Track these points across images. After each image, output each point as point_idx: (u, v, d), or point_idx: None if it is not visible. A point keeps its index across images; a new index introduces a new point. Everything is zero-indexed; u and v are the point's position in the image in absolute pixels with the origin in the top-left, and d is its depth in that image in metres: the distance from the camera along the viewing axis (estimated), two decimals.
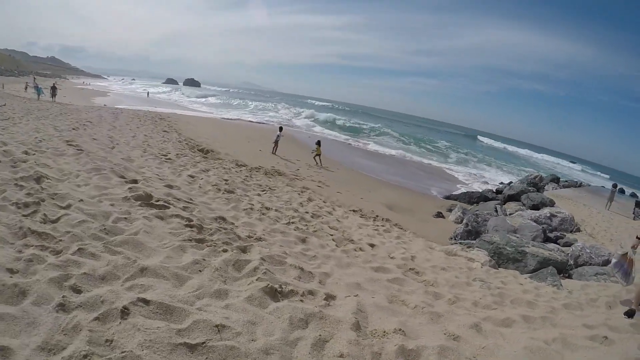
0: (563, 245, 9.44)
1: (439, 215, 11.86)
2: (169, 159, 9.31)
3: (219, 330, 2.10)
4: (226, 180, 7.96)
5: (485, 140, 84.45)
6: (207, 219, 4.52)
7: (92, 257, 2.77)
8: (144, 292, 2.41)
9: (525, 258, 7.37)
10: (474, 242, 8.17)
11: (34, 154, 5.97)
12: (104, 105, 31.87)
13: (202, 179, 7.38)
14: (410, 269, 4.85)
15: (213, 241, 3.64)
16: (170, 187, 5.90)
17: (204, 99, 59.33)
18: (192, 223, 4.07)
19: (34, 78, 57.04)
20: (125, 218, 3.80)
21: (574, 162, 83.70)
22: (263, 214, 5.77)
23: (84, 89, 58.83)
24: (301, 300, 2.80)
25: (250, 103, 57.54)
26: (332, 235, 5.60)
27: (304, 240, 4.84)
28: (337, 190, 11.17)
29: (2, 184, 3.87)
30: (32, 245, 2.76)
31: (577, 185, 24.86)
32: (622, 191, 24.79)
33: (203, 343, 2.00)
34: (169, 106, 40.78)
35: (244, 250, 3.58)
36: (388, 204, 11.41)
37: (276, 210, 6.26)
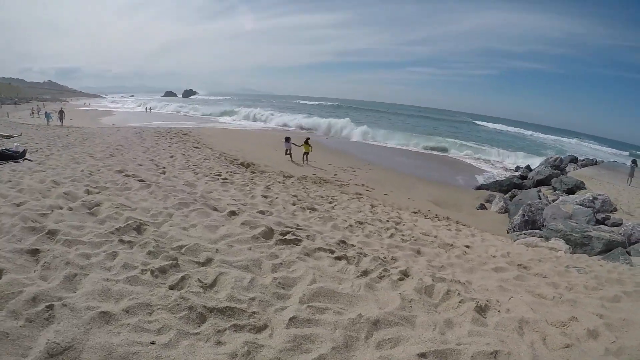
0: (611, 226, 9.78)
1: (482, 207, 12.17)
2: (225, 178, 9.39)
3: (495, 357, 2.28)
4: (294, 195, 8.16)
5: (490, 125, 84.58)
6: (333, 245, 4.53)
7: (310, 324, 2.41)
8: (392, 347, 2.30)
9: (591, 242, 7.71)
10: (538, 231, 8.52)
11: (99, 193, 5.64)
12: (113, 124, 32.03)
13: (276, 197, 7.55)
14: (517, 264, 5.19)
15: (374, 270, 3.68)
16: (263, 213, 5.75)
17: (210, 112, 57.00)
18: (339, 255, 4.02)
19: (37, 105, 57.23)
20: (281, 263, 3.48)
21: (579, 139, 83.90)
22: (362, 229, 5.96)
23: (88, 110, 58.91)
24: (498, 311, 3.10)
25: (263, 111, 55.36)
26: (432, 242, 5.90)
27: (419, 252, 5.09)
28: (383, 192, 11.47)
29: (103, 242, 3.40)
30: (225, 329, 2.27)
31: (594, 163, 25.21)
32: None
33: None
34: (178, 120, 41.09)
35: (405, 274, 3.73)
36: (433, 200, 11.72)
37: (369, 223, 6.45)
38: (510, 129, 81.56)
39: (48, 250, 3.05)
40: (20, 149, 9.56)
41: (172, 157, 12.68)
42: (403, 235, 6.01)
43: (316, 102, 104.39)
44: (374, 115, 70.71)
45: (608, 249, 7.55)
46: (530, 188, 15.33)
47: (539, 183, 15.80)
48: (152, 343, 2.05)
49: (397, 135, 33.28)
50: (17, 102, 76.25)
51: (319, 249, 4.12)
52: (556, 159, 20.55)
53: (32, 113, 46.84)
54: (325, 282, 3.09)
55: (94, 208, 4.59)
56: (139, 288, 2.61)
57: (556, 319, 3.18)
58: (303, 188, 9.60)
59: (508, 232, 9.26)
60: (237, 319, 2.38)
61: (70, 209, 4.43)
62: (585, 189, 13.26)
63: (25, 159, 9.09)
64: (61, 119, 33.10)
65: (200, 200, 5.94)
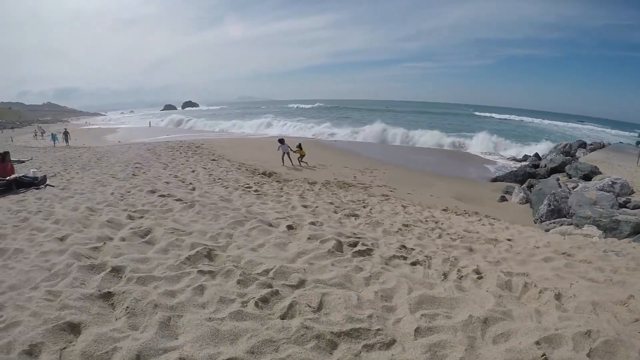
0: (632, 209, 10.02)
1: (503, 199, 12.40)
2: (256, 190, 9.48)
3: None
4: (330, 202, 8.37)
5: (491, 115, 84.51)
6: (398, 251, 4.65)
7: (433, 332, 2.54)
8: (506, 341, 2.48)
9: (620, 225, 7.95)
10: (566, 219, 8.79)
11: (142, 217, 5.53)
12: (119, 141, 32.44)
13: (316, 206, 7.69)
14: (562, 253, 5.46)
15: (450, 272, 3.88)
16: (314, 224, 5.76)
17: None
18: (413, 261, 4.18)
19: (39, 127, 57.90)
20: (370, 276, 3.50)
21: (582, 122, 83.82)
22: (410, 232, 6.17)
23: (90, 129, 59.38)
24: (570, 297, 3.38)
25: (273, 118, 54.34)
26: (478, 238, 6.15)
27: (471, 249, 5.34)
28: (406, 192, 11.73)
29: (180, 275, 3.29)
30: (360, 352, 2.33)
31: (601, 146, 25.43)
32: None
33: None
34: (182, 132, 41.42)
35: (478, 272, 3.97)
36: (455, 196, 11.96)
37: (413, 225, 6.65)
38: (512, 117, 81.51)
39: (123, 292, 2.89)
40: (39, 174, 9.52)
41: (193, 171, 12.87)
42: (448, 234, 6.25)
43: (313, 105, 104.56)
44: (374, 114, 70.83)
45: (635, 231, 7.80)
46: (544, 177, 15.59)
47: (553, 171, 16.02)
48: None
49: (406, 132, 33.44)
50: (20, 125, 76.98)
51: (393, 256, 4.28)
52: (565, 145, 20.79)
53: (35, 135, 47.47)
54: (420, 289, 3.22)
55: (148, 236, 4.48)
56: (249, 323, 2.53)
57: (616, 299, 3.45)
58: (333, 194, 9.86)
59: (535, 222, 9.52)
60: (364, 339, 2.40)
61: (123, 239, 4.30)
62: (600, 173, 13.51)
63: (47, 184, 9.10)
64: (66, 139, 33.68)
65: (250, 216, 5.85)
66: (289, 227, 5.37)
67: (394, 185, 12.73)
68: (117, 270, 3.32)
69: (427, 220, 7.26)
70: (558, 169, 15.97)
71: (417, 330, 2.51)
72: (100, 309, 2.71)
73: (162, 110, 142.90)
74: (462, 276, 3.77)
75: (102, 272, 3.28)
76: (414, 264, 4.14)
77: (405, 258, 4.28)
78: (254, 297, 2.86)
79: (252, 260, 3.70)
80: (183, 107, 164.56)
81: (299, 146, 16.82)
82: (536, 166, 18.20)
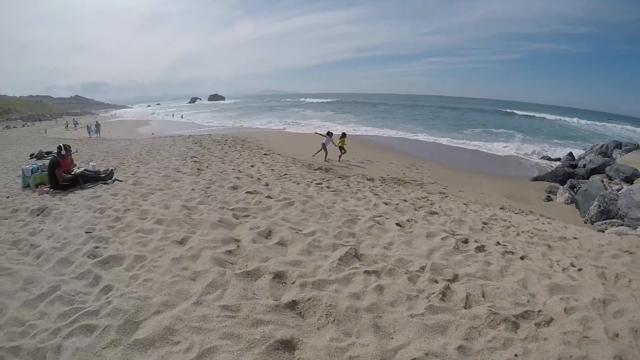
0: None
1: (549, 198, 13.13)
2: (328, 186, 9.88)
3: None
4: (404, 200, 9.18)
5: (520, 112, 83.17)
6: (498, 246, 5.28)
7: (583, 312, 3.19)
8: (622, 316, 3.17)
9: None
10: (618, 220, 9.57)
11: (248, 216, 5.54)
12: (152, 134, 33.64)
13: (397, 204, 8.35)
14: (624, 251, 6.29)
15: (555, 263, 4.84)
16: (409, 221, 6.27)
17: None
18: (521, 255, 4.94)
19: (73, 118, 61.22)
20: (507, 271, 4.10)
21: (611, 120, 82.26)
22: (491, 229, 6.93)
23: (122, 122, 61.35)
24: None
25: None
26: (550, 236, 7.03)
27: (550, 247, 6.18)
28: (458, 190, 12.55)
29: (348, 276, 3.49)
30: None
31: (636, 147, 25.59)
32: None
33: None
34: (218, 125, 42.45)
35: (573, 265, 4.89)
36: (504, 195, 12.76)
37: (492, 223, 7.48)
38: (539, 114, 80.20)
39: (308, 299, 3.01)
40: (101, 169, 9.59)
41: (253, 166, 12.93)
42: (524, 231, 7.12)
43: (336, 99, 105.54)
44: (402, 109, 71.15)
45: None
46: (584, 177, 16.13)
47: (593, 171, 16.47)
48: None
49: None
50: (50, 118, 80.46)
51: (506, 252, 4.98)
52: (602, 145, 21.11)
53: (67, 126, 49.95)
54: (545, 279, 3.92)
55: (273, 236, 4.53)
56: (445, 315, 2.97)
57: None
58: (397, 191, 10.79)
59: (585, 223, 10.31)
60: (533, 319, 3.04)
61: (253, 240, 4.27)
62: None
63: (115, 179, 8.92)
64: (98, 131, 35.66)
65: (353, 214, 6.18)
66: (398, 225, 5.84)
67: (443, 182, 13.52)
68: (280, 276, 3.40)
69: (496, 219, 8.11)
70: (598, 170, 16.39)
71: (565, 309, 3.25)
72: (295, 320, 2.77)
73: (189, 102, 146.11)
74: (564, 268, 4.69)
75: (260, 278, 3.37)
76: (522, 258, 4.87)
77: (512, 253, 5.13)
78: (433, 292, 3.30)
79: (402, 258, 4.05)
80: (209, 99, 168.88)
81: (343, 135, 17.35)
82: (574, 166, 18.62)
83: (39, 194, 8.08)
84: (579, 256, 5.75)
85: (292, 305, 2.91)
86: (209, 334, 2.55)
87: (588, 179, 15.63)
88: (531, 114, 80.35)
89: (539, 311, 3.16)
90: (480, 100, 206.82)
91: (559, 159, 22.57)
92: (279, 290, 3.19)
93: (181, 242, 4.27)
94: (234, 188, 7.84)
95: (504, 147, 27.32)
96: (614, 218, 9.95)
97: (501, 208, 10.22)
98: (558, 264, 4.84)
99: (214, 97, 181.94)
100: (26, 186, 9.03)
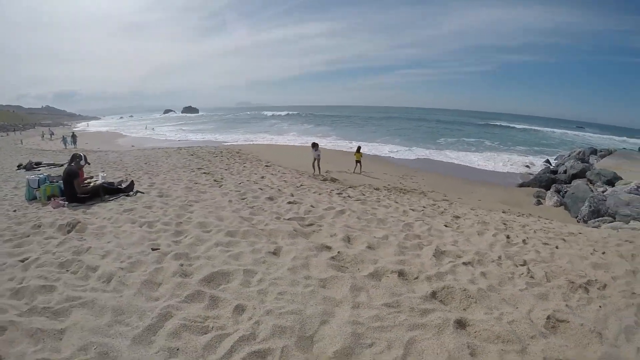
0: None
1: (539, 202, 14.15)
2: (349, 196, 10.23)
3: None
4: (423, 207, 9.68)
5: (493, 122, 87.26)
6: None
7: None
8: None
9: None
10: (609, 218, 10.57)
11: (312, 224, 5.76)
12: (133, 146, 33.14)
13: (422, 211, 8.88)
14: (625, 241, 7.09)
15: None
16: (446, 226, 6.84)
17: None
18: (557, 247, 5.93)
19: (49, 129, 61.07)
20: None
21: (581, 127, 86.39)
22: (514, 230, 7.50)
23: (99, 133, 60.88)
24: None
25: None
26: (559, 235, 7.82)
27: (565, 241, 6.84)
28: (457, 197, 13.30)
29: (445, 272, 3.99)
30: None
31: (609, 152, 27.46)
32: None
33: None
34: (197, 139, 42.20)
35: (604, 252, 5.76)
36: (500, 201, 13.61)
37: (507, 227, 7.98)
38: (510, 124, 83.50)
39: (443, 288, 3.49)
40: (112, 179, 9.19)
41: (263, 177, 12.81)
42: (538, 230, 7.86)
43: (314, 112, 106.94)
44: (377, 121, 72.70)
45: None
46: (566, 182, 17.31)
47: (574, 177, 17.80)
48: None
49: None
50: (23, 128, 78.80)
51: (543, 243, 5.99)
52: (579, 152, 22.62)
53: (43, 137, 50.03)
54: (586, 260, 5.01)
55: (359, 243, 4.82)
56: (541, 288, 3.92)
57: None
58: (408, 199, 11.39)
59: (578, 222, 11.28)
60: (594, 285, 4.07)
61: (346, 246, 4.57)
62: (621, 179, 15.36)
63: (137, 191, 8.50)
64: (74, 142, 35.55)
65: (399, 221, 6.66)
66: (446, 226, 6.72)
67: (441, 190, 14.24)
68: (402, 274, 3.81)
69: (508, 221, 8.89)
70: (579, 175, 17.73)
71: (612, 278, 4.36)
72: (441, 305, 3.24)
73: (163, 114, 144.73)
74: (591, 253, 5.51)
75: (384, 277, 3.74)
76: (557, 247, 5.80)
77: (547, 244, 5.97)
78: (522, 273, 4.30)
79: (478, 251, 4.94)
80: (182, 112, 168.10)
81: (359, 149, 18.33)
82: (555, 172, 19.89)
83: (53, 207, 7.30)
84: (592, 246, 6.54)
85: (434, 295, 3.37)
86: (395, 330, 2.73)
87: (570, 183, 16.85)
88: (504, 123, 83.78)
89: (596, 280, 4.24)
90: (451, 112, 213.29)
91: (529, 166, 23.93)
92: (409, 285, 3.60)
93: (275, 253, 4.27)
94: (271, 199, 7.99)
95: (481, 156, 28.44)
96: (604, 216, 10.95)
97: (504, 212, 11.00)
98: (595, 251, 5.69)
99: (188, 110, 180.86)
100: (32, 198, 8.18)
